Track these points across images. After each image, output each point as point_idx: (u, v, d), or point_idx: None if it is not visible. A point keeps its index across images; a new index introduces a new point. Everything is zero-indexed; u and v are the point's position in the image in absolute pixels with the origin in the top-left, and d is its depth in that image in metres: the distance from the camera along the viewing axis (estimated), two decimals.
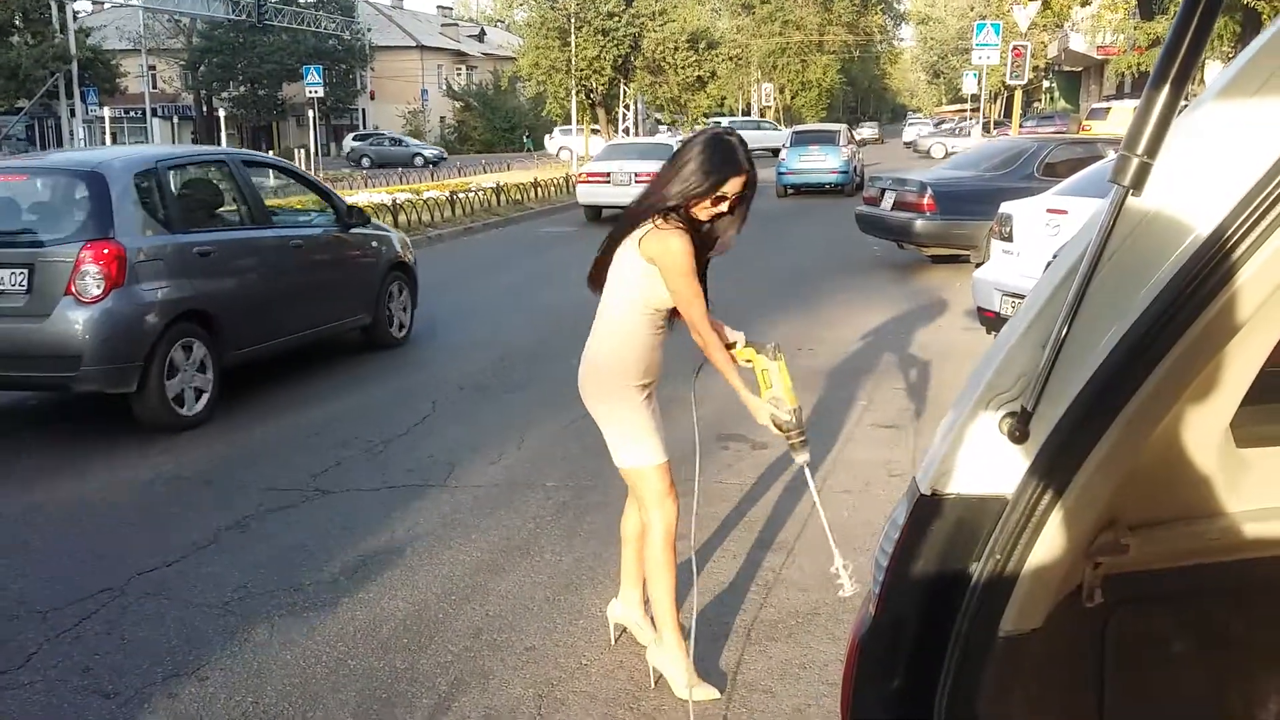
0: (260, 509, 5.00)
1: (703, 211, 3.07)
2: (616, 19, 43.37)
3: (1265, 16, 22.10)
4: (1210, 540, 1.51)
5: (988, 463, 1.31)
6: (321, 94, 35.17)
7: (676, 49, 48.08)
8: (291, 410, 6.80)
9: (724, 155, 3.05)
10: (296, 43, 51.06)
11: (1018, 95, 33.56)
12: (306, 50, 49.85)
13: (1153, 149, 1.15)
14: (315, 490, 5.25)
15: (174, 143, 51.29)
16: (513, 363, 8.06)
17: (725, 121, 45.90)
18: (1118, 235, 1.22)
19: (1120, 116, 25.18)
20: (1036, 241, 7.48)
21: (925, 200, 11.60)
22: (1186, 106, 1.24)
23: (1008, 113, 46.65)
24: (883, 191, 12.52)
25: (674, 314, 3.20)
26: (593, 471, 5.40)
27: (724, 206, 3.08)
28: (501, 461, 5.65)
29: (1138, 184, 1.16)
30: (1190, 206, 1.25)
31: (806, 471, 3.12)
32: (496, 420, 6.46)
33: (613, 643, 3.65)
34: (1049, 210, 7.72)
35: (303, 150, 35.57)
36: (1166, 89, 1.14)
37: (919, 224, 11.71)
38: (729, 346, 3.20)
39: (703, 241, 3.12)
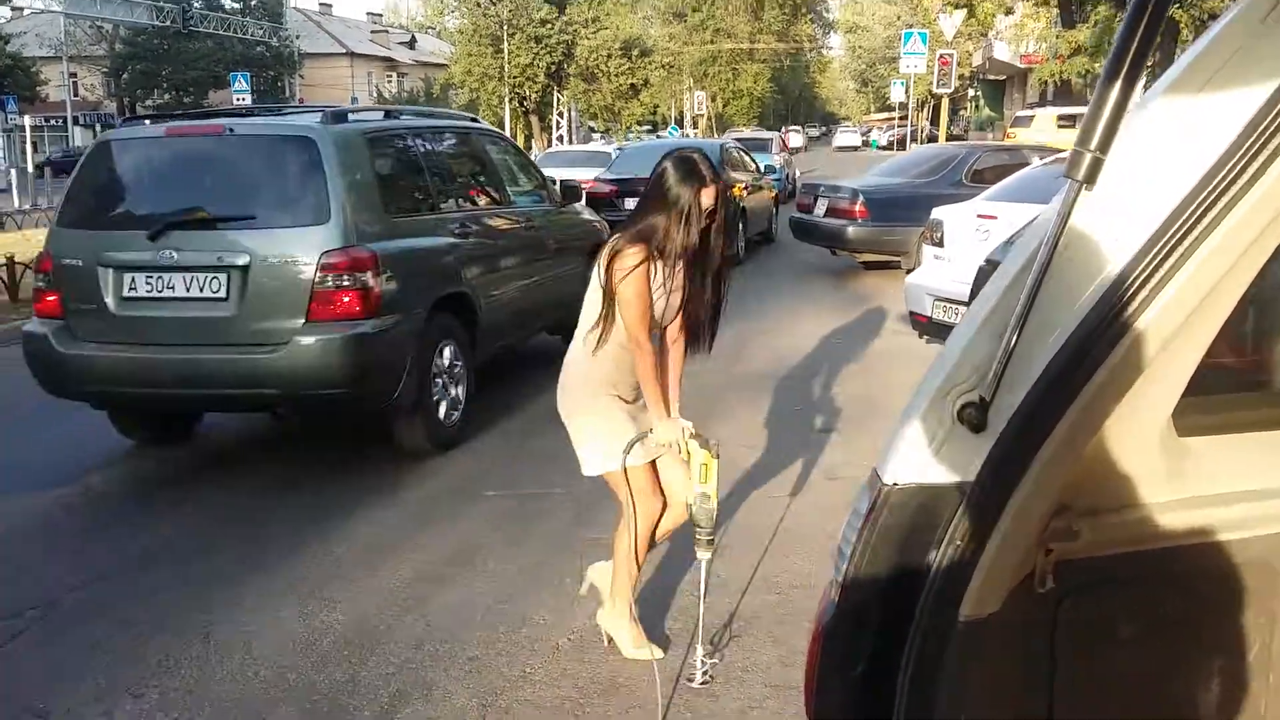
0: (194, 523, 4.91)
1: (691, 231, 3.14)
2: (549, 26, 43.38)
3: (1184, 25, 22.76)
4: (1155, 527, 1.56)
5: (947, 452, 1.34)
6: (249, 101, 34.63)
7: (609, 57, 48.19)
8: (213, 418, 6.69)
9: (687, 171, 3.13)
10: (223, 49, 50.21)
11: (944, 103, 34.22)
12: (233, 57, 49.05)
13: (1105, 144, 1.20)
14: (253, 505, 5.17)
15: None
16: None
17: (672, 133, 45.96)
18: (1071, 229, 1.26)
19: (1044, 124, 25.76)
20: (967, 247, 7.64)
21: (858, 207, 11.77)
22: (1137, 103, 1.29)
23: (934, 120, 47.54)
24: (816, 198, 12.67)
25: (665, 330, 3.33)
26: (534, 480, 5.39)
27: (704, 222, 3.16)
28: (442, 472, 5.61)
29: (1090, 179, 1.21)
30: (1139, 202, 1.29)
31: (704, 568, 3.27)
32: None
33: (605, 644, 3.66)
34: (979, 215, 7.90)
35: None
36: (1118, 86, 1.18)
37: (851, 230, 11.87)
38: None
39: (703, 260, 3.24)
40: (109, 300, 5.25)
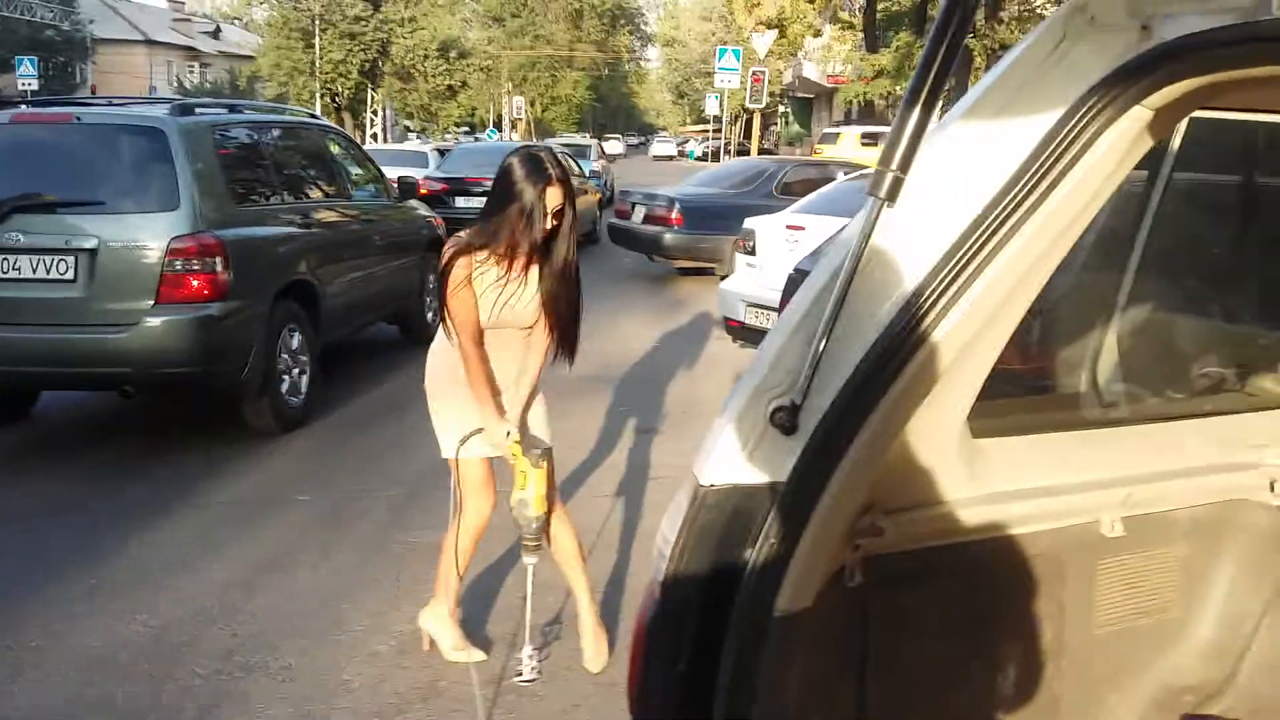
0: None
1: (534, 228, 3.08)
2: (364, 23, 42.31)
3: (977, 54, 24.20)
4: (954, 522, 1.66)
5: (761, 454, 1.39)
6: (36, 87, 32.30)
7: (426, 57, 47.41)
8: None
9: (533, 168, 3.07)
10: (9, 31, 46.59)
11: (756, 118, 35.25)
12: (19, 40, 45.56)
13: (905, 164, 1.27)
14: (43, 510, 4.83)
15: None
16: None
17: (490, 135, 45.52)
18: (874, 244, 1.34)
19: (848, 141, 26.88)
20: (777, 255, 7.89)
21: (674, 214, 11.99)
22: (936, 126, 1.38)
23: (747, 135, 48.87)
24: (634, 205, 12.85)
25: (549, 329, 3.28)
26: (348, 483, 5.26)
27: (551, 221, 3.10)
28: (250, 475, 5.40)
29: (892, 196, 1.28)
30: (936, 219, 1.38)
31: (530, 571, 3.24)
32: (242, 435, 6.15)
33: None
34: (788, 226, 8.18)
35: None
36: (918, 109, 1.26)
37: (668, 237, 12.10)
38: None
39: (550, 264, 3.18)
40: None
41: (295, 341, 6.12)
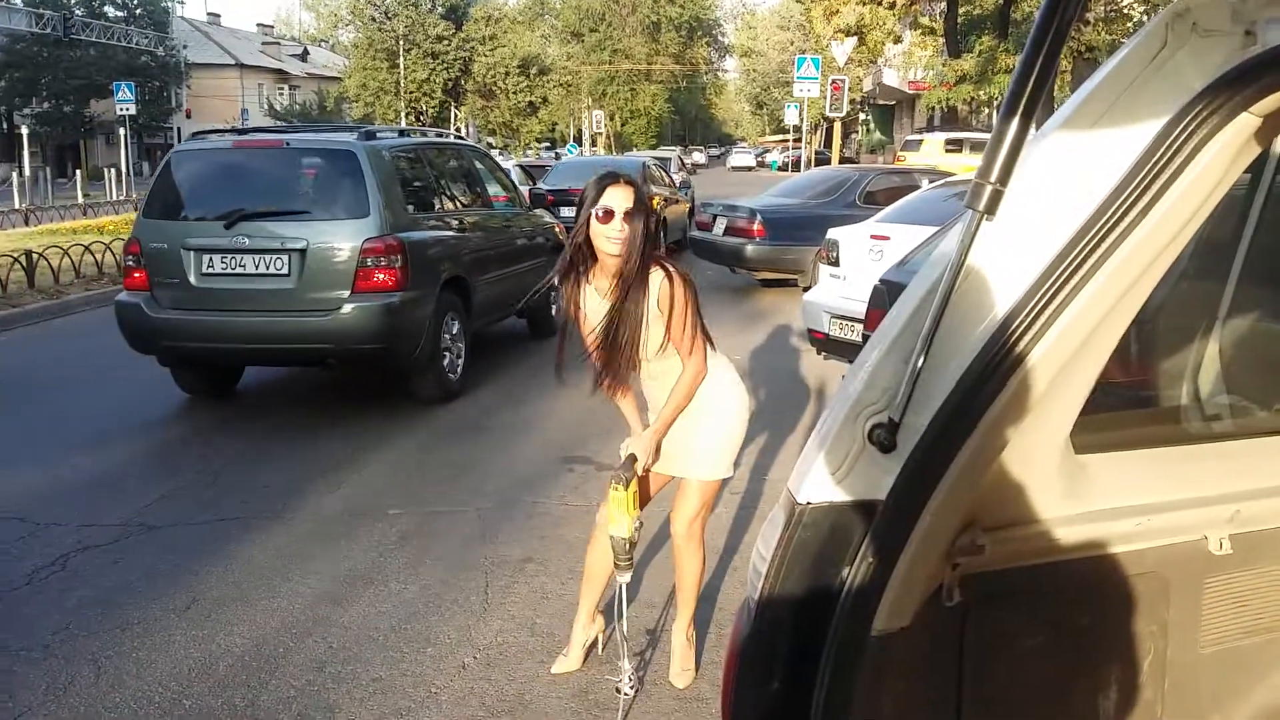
0: (80, 546, 4.71)
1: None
2: (446, 43, 43.08)
3: (1063, 56, 23.69)
4: (1054, 541, 1.62)
5: (858, 471, 1.37)
6: (133, 112, 33.49)
7: (508, 74, 48.11)
8: (109, 441, 6.45)
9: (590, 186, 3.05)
10: (106, 58, 48.47)
11: (837, 127, 34.96)
12: (117, 66, 47.34)
13: (1004, 177, 1.24)
14: (140, 525, 4.99)
15: None
16: (346, 384, 7.87)
17: (570, 150, 45.96)
18: (973, 257, 1.31)
19: (932, 148, 26.53)
20: (861, 266, 7.82)
21: (755, 226, 11.95)
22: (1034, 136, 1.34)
23: (828, 143, 48.55)
24: (714, 217, 12.83)
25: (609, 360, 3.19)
26: (436, 499, 5.33)
27: (615, 224, 3.00)
28: (340, 490, 5.51)
29: (991, 209, 1.25)
30: (1036, 233, 1.35)
31: (623, 590, 3.21)
32: (334, 447, 6.29)
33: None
34: (873, 236, 8.09)
35: (112, 170, 33.65)
36: (1016, 120, 1.23)
37: (750, 249, 12.05)
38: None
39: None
40: (190, 276, 6.61)
41: (455, 327, 7.22)
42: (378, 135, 7.32)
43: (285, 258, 6.49)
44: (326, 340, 6.54)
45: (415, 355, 6.74)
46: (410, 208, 7.01)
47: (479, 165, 8.99)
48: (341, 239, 6.47)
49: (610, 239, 3.00)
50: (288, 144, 7.11)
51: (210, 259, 6.58)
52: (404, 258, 6.51)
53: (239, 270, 6.56)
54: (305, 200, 6.79)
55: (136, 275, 6.77)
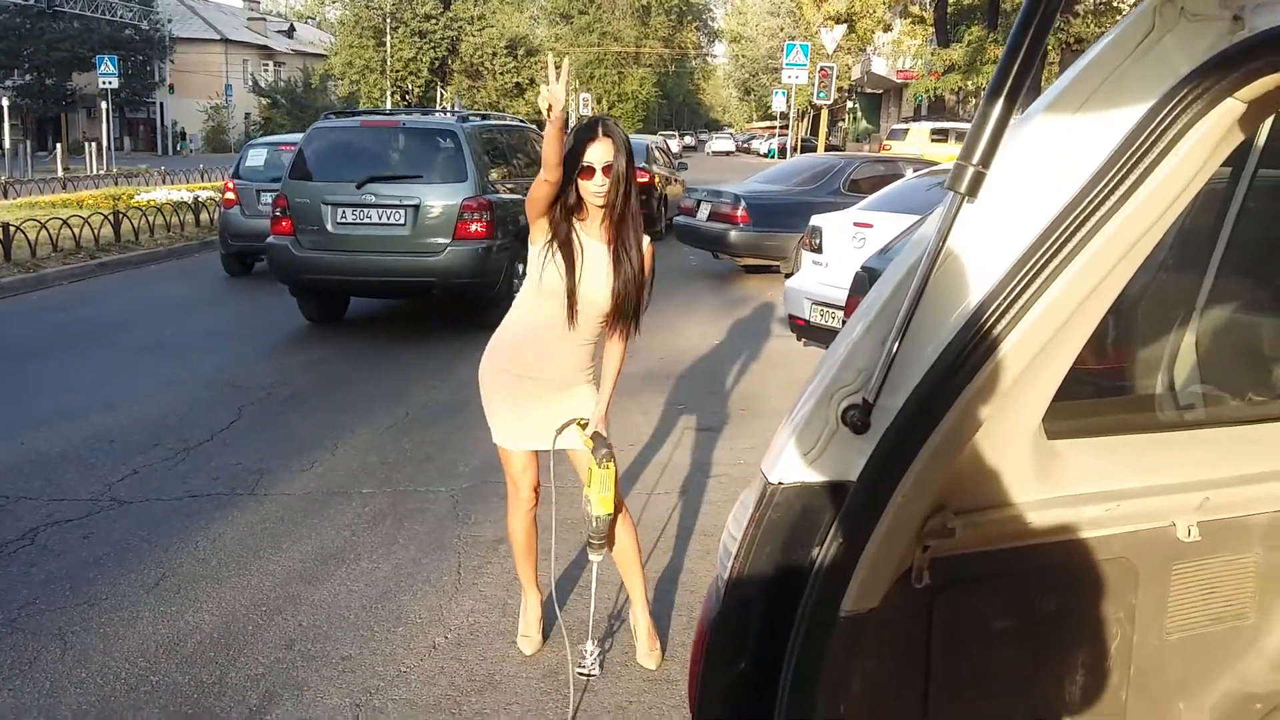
0: (49, 520, 4.66)
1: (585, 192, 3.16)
2: (434, 21, 42.81)
3: (1051, 48, 23.74)
4: (1024, 525, 1.61)
5: (831, 452, 1.36)
6: (116, 85, 33.11)
7: (495, 54, 47.84)
8: (81, 415, 6.39)
9: (577, 130, 3.17)
10: (89, 31, 47.92)
11: (824, 114, 34.98)
12: (100, 39, 46.82)
13: (987, 159, 1.23)
14: (110, 500, 4.94)
15: None
16: (332, 365, 7.82)
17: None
18: (952, 241, 1.29)
19: (918, 137, 26.56)
20: (844, 253, 7.81)
21: (739, 212, 11.93)
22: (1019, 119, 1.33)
23: (814, 130, 48.52)
24: (699, 203, 12.80)
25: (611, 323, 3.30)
26: (409, 478, 5.30)
27: (597, 179, 3.11)
28: (314, 469, 5.47)
29: (972, 191, 1.24)
30: (1017, 216, 1.33)
31: (595, 569, 3.29)
32: (307, 427, 6.25)
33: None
34: (855, 224, 8.08)
35: (93, 144, 33.31)
36: (1000, 103, 1.21)
37: (733, 235, 12.04)
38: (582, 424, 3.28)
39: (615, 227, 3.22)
40: (328, 224, 8.61)
41: (519, 270, 8.29)
42: (470, 118, 9.52)
43: (402, 211, 8.46)
44: (432, 275, 8.50)
45: (496, 289, 8.56)
46: (492, 174, 8.95)
47: (535, 141, 10.69)
48: (446, 197, 8.45)
49: (595, 194, 3.14)
50: (403, 124, 9.55)
51: (344, 211, 8.57)
52: (491, 213, 8.46)
53: (366, 221, 8.54)
54: (418, 167, 8.80)
55: (284, 223, 8.70)
